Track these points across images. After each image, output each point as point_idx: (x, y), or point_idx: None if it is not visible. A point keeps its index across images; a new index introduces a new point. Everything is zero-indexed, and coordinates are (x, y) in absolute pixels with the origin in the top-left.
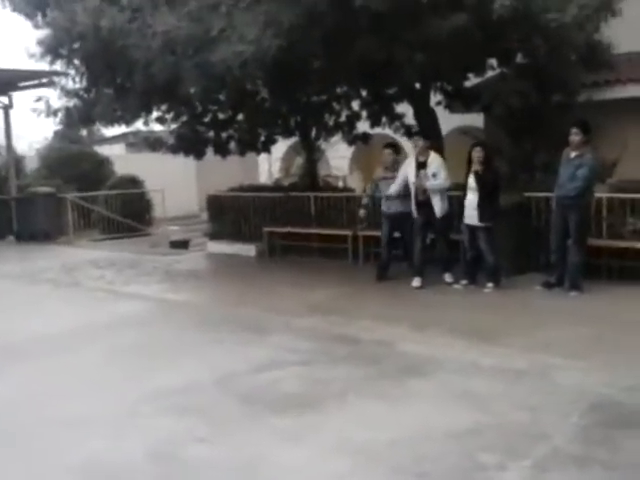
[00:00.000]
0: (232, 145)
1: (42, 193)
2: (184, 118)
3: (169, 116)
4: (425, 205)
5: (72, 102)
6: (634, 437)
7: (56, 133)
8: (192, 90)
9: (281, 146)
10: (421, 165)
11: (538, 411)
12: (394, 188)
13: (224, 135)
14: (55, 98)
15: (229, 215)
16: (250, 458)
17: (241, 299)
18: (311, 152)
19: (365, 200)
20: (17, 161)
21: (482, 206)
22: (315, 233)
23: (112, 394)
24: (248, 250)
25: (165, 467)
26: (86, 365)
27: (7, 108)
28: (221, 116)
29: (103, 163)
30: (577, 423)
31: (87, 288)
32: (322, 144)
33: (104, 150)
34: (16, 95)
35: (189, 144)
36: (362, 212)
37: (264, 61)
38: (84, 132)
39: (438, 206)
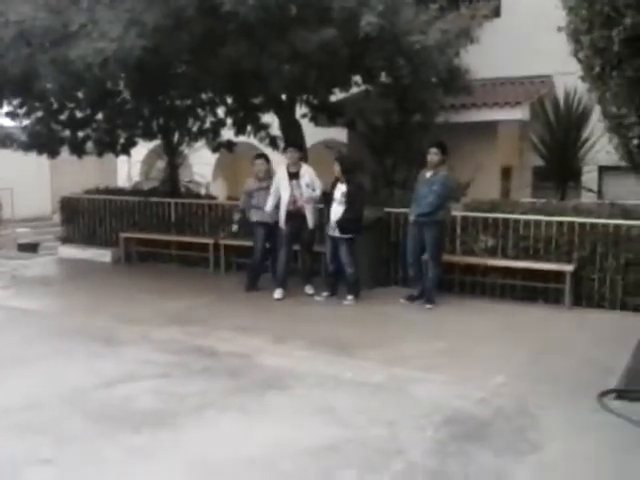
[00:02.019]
0: (89, 145)
1: None
2: (38, 114)
3: (21, 111)
4: (295, 216)
5: None
6: (485, 448)
7: None
8: (48, 86)
9: (142, 149)
10: (293, 176)
11: (395, 425)
12: (270, 203)
13: (81, 134)
14: None
15: (83, 218)
16: (98, 479)
17: (94, 308)
18: (173, 157)
19: (237, 216)
20: None
21: (345, 218)
22: (175, 240)
23: None
24: (103, 255)
25: None
26: None
27: None
28: (79, 114)
29: None
30: (432, 437)
31: None
32: (185, 149)
33: None
34: None
35: (43, 142)
36: (235, 227)
37: (127, 61)
38: None
39: (311, 217)
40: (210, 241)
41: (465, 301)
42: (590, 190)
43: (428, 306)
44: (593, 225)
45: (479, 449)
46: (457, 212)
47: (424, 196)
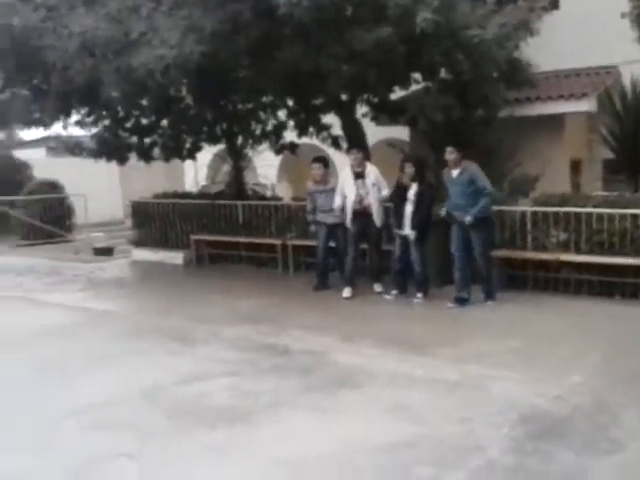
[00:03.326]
0: (156, 151)
1: None
2: (105, 122)
3: (89, 120)
4: (361, 215)
5: None
6: (563, 447)
7: None
8: (113, 94)
9: (207, 153)
10: (358, 175)
11: (471, 422)
12: (338, 202)
13: (147, 141)
14: None
15: (154, 222)
16: (179, 474)
17: (168, 308)
18: (237, 160)
19: (311, 217)
20: None
21: (417, 218)
22: (243, 242)
23: (33, 409)
24: (174, 258)
25: None
26: (4, 378)
27: None
28: (144, 121)
29: (21, 168)
30: (509, 434)
31: (4, 297)
32: (249, 152)
33: (24, 154)
34: None
35: (111, 149)
36: (312, 228)
37: (186, 67)
38: (1, 136)
39: (378, 216)
40: (278, 242)
41: (538, 298)
42: None
43: (490, 302)
44: None
45: (558, 447)
46: (527, 207)
47: (461, 195)
